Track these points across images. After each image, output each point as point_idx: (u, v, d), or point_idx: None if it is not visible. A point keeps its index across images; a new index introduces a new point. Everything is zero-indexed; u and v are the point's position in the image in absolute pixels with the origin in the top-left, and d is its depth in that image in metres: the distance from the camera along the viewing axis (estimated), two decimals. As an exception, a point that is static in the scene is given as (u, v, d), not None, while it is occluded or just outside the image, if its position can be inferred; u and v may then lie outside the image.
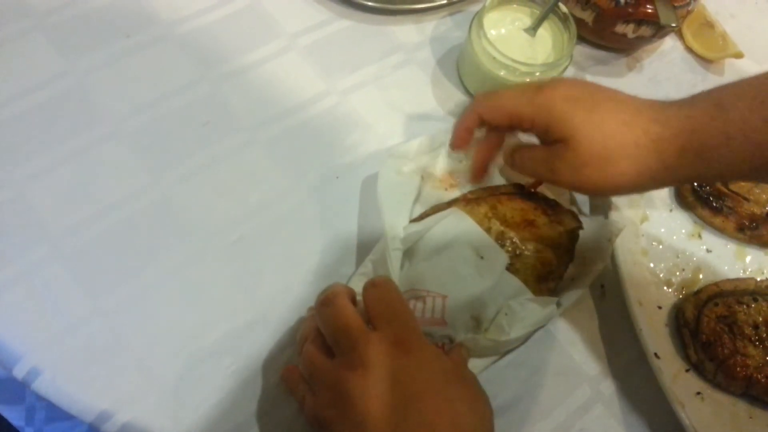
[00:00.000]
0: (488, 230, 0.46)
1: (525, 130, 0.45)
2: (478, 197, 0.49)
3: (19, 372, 0.45)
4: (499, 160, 0.51)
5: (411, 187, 0.50)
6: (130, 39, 0.59)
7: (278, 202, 0.54)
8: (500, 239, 0.47)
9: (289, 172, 0.55)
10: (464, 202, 0.49)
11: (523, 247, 0.47)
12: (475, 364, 0.45)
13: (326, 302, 0.40)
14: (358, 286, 0.44)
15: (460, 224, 0.46)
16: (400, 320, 0.39)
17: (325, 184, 0.55)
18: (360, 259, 0.51)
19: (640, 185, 0.42)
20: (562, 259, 0.48)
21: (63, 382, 0.45)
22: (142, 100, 0.56)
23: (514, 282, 0.45)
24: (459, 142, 0.49)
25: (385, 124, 0.59)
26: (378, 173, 0.50)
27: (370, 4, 0.63)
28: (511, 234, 0.47)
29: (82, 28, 0.59)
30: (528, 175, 0.48)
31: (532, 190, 0.51)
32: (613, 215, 0.53)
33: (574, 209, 0.52)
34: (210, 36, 0.61)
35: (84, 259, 0.49)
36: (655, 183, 0.42)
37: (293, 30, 0.63)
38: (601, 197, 0.55)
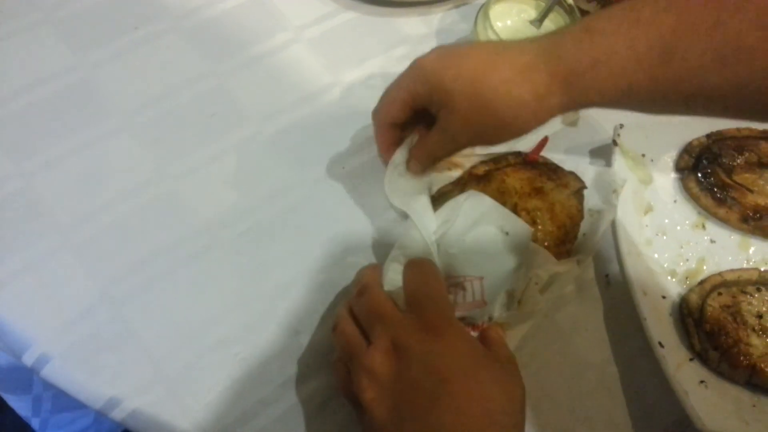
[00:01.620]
0: (503, 205, 0.47)
1: (427, 112, 0.45)
2: (485, 172, 0.50)
3: (28, 359, 0.45)
4: None
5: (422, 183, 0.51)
6: (139, 31, 0.60)
7: (285, 194, 0.54)
8: (516, 211, 0.48)
9: (296, 164, 0.55)
10: (475, 180, 0.49)
11: (539, 215, 0.48)
12: (512, 336, 0.46)
13: (361, 291, 0.42)
14: (397, 272, 0.45)
15: (480, 204, 0.46)
16: (433, 302, 0.39)
17: (331, 175, 0.55)
18: (365, 248, 0.52)
19: (522, 121, 0.41)
20: (574, 219, 0.49)
21: (72, 369, 0.45)
22: (150, 92, 0.57)
23: (539, 250, 0.46)
24: (389, 157, 0.50)
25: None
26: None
27: (375, -4, 0.64)
28: (525, 204, 0.48)
29: (91, 21, 0.60)
30: (442, 159, 0.48)
31: (534, 157, 0.52)
32: (616, 166, 0.54)
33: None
34: (217, 28, 0.61)
35: (93, 249, 0.49)
36: (535, 116, 0.41)
37: (299, 22, 0.63)
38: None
